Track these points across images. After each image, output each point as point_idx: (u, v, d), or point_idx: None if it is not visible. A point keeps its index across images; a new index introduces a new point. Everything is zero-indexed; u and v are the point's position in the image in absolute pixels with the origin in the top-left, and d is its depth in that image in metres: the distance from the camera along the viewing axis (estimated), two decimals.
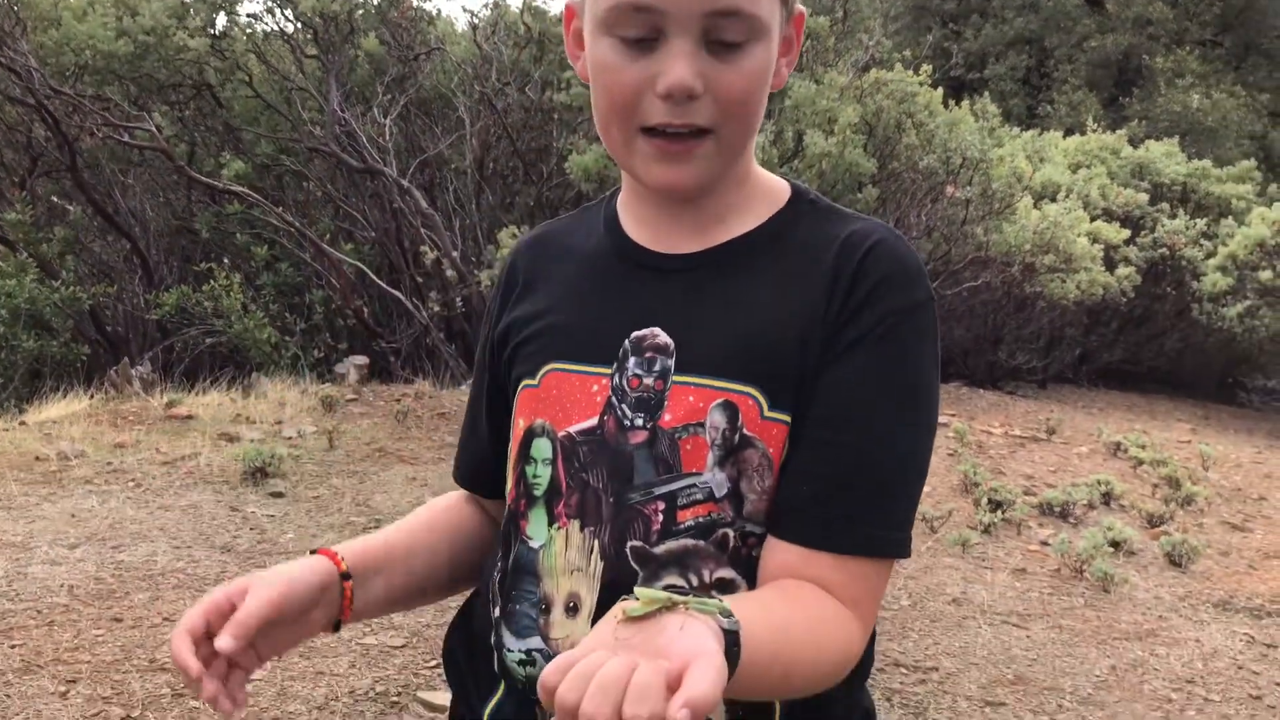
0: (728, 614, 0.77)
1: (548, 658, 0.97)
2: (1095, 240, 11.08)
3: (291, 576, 0.99)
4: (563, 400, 1.01)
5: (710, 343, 0.97)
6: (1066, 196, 11.62)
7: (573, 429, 1.00)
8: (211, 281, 8.49)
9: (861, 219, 1.01)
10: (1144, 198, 12.64)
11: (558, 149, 9.29)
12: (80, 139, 9.30)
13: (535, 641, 1.00)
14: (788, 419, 0.95)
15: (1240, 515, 6.44)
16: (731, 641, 0.75)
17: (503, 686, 1.04)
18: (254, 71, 9.74)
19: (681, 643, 0.72)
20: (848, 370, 0.94)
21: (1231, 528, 6.10)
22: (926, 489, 6.05)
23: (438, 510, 1.19)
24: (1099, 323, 12.83)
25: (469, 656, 1.10)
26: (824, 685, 0.93)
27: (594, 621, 0.92)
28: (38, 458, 5.30)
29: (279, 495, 4.97)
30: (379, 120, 9.14)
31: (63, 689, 2.97)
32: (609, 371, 1.00)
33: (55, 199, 10.44)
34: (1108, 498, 6.16)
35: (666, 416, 0.96)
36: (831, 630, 0.91)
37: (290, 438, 6.00)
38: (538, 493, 1.02)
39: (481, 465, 1.16)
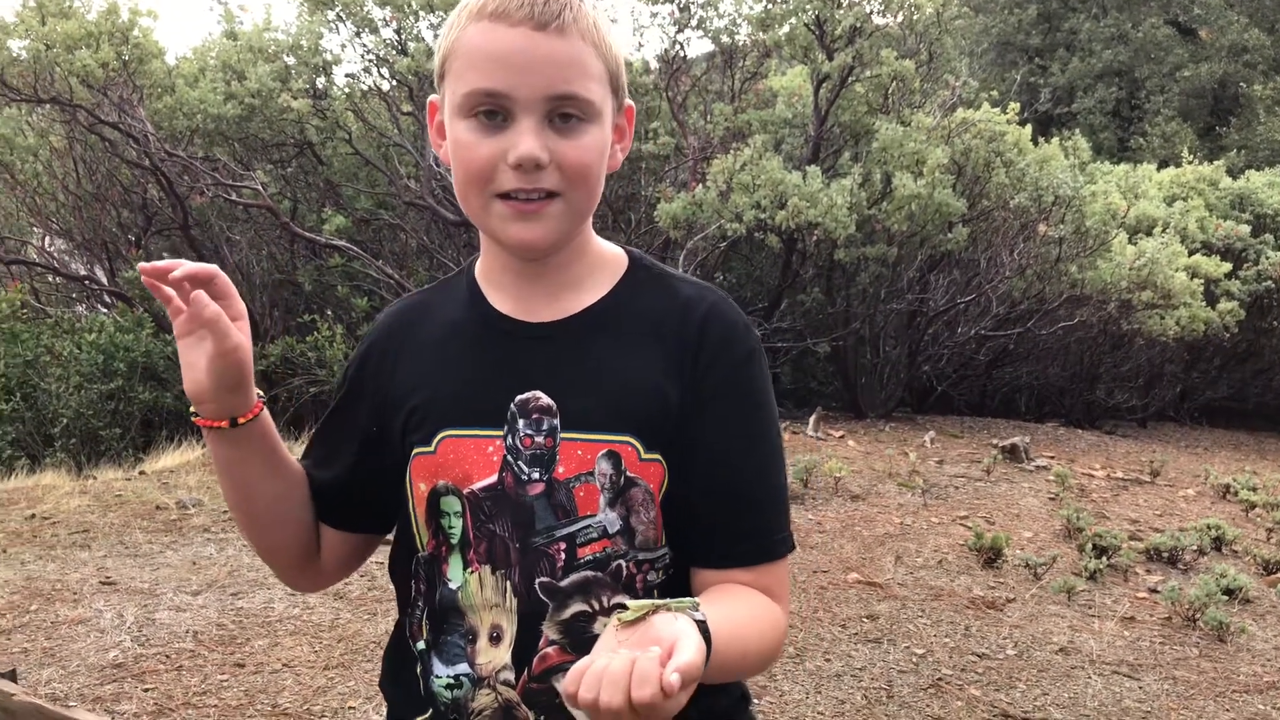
0: (697, 607, 0.95)
1: (473, 681, 1.13)
2: (1194, 275, 10.77)
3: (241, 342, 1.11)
4: (462, 463, 1.13)
5: (586, 403, 1.11)
6: (1163, 230, 11.34)
7: (475, 486, 1.13)
8: (314, 332, 8.81)
9: (692, 283, 1.19)
10: (1245, 229, 12.29)
11: (645, 197, 9.45)
12: (191, 198, 9.77)
13: (463, 667, 1.14)
14: (660, 458, 1.11)
15: None
16: (703, 630, 0.93)
17: (430, 711, 1.17)
18: (353, 129, 10.12)
19: (668, 630, 0.91)
20: (713, 419, 1.12)
21: None
22: (1029, 534, 5.88)
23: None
24: (1200, 359, 12.45)
25: (394, 684, 1.25)
26: (772, 659, 1.13)
27: (514, 648, 1.11)
28: (158, 506, 5.55)
29: (386, 543, 5.11)
30: None
31: None
32: (501, 433, 1.12)
33: (167, 255, 10.94)
34: (1219, 543, 5.97)
35: (560, 469, 1.11)
36: (765, 615, 1.12)
37: None
38: (454, 541, 1.15)
39: (334, 484, 1.25)
